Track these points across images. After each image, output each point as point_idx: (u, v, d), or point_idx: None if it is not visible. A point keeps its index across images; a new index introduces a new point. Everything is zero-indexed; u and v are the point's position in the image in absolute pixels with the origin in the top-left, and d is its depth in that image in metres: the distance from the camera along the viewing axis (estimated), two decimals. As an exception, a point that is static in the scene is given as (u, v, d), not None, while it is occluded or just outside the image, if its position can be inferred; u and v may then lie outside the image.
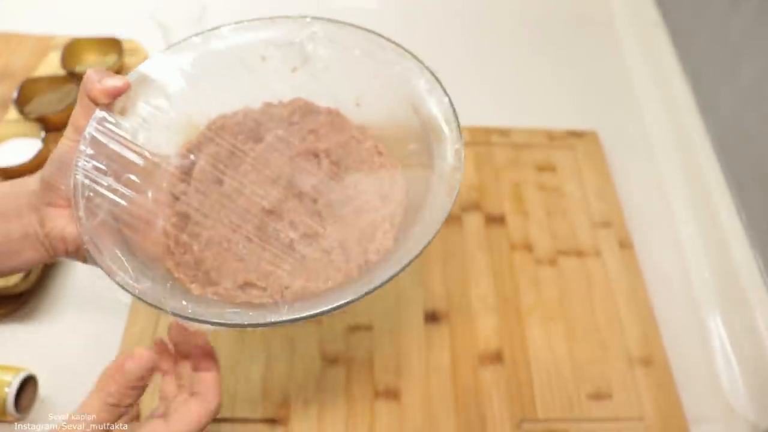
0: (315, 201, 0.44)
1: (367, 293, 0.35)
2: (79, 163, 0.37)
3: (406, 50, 0.46)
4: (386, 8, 0.92)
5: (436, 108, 0.45)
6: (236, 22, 0.45)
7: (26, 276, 0.55)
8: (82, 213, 0.36)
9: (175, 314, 0.34)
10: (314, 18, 0.46)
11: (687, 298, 0.64)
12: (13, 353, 0.55)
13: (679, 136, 0.75)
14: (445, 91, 0.45)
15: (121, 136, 0.40)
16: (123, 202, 0.39)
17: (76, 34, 0.77)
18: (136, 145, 0.41)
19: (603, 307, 0.61)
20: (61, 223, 0.38)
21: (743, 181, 0.67)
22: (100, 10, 0.88)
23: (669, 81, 0.80)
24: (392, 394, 0.54)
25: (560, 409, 0.54)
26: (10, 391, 0.48)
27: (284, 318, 0.35)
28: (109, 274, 0.35)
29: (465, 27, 0.91)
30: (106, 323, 0.57)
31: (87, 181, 0.37)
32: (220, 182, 0.44)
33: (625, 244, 0.65)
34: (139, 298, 0.35)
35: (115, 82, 0.38)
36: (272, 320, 0.35)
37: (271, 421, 0.52)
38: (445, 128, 0.43)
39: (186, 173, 0.44)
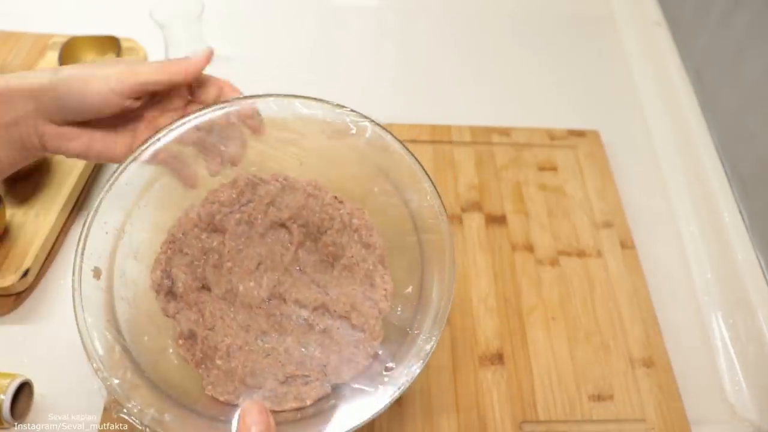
0: (304, 272, 0.44)
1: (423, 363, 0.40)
2: (81, 324, 0.38)
3: (329, 102, 0.44)
4: (385, 7, 0.92)
5: (390, 146, 0.44)
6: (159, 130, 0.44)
7: (23, 276, 0.55)
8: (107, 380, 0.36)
9: None
10: (223, 102, 0.45)
11: (689, 299, 0.63)
12: (9, 354, 0.54)
13: (682, 136, 0.75)
14: (390, 132, 0.44)
15: (102, 288, 0.40)
16: (131, 348, 0.39)
17: (75, 32, 0.77)
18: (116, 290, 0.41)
19: (604, 308, 0.60)
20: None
21: (746, 181, 0.66)
22: (99, 8, 0.88)
23: (671, 80, 0.80)
24: (392, 396, 0.54)
25: (561, 411, 0.54)
26: (6, 398, 0.48)
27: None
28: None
29: (465, 25, 0.90)
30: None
31: (98, 344, 0.37)
32: (207, 289, 0.43)
33: (626, 245, 0.65)
34: None
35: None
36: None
37: (270, 422, 0.52)
38: (409, 161, 0.43)
39: (170, 293, 0.42)
